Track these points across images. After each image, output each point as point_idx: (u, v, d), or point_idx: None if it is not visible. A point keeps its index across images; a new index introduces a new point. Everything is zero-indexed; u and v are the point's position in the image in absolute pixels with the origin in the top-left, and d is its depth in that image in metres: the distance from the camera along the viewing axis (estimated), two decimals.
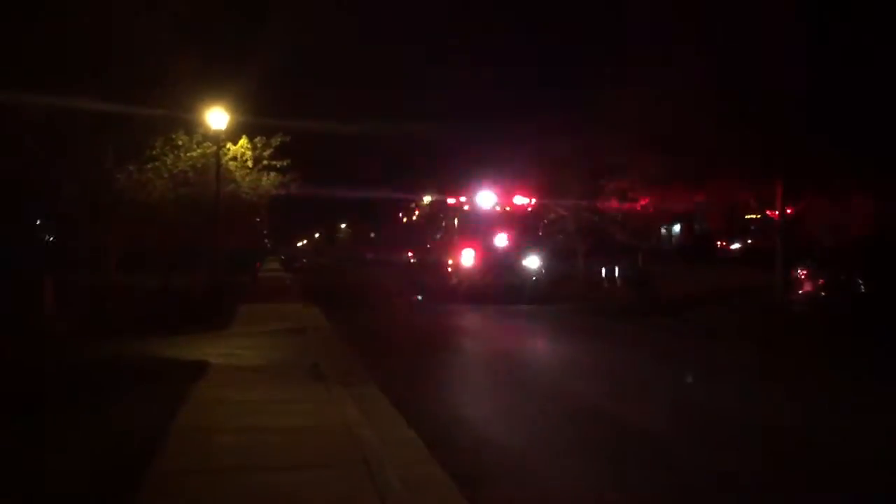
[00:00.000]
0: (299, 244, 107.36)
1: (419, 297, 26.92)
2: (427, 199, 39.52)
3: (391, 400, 9.19)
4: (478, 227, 26.27)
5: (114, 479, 5.54)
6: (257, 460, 6.19)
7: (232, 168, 21.42)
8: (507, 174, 27.97)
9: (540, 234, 27.53)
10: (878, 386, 10.14)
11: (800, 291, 15.77)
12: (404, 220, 48.09)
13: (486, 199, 26.74)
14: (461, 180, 29.67)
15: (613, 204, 27.33)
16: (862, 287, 14.54)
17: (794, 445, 7.12)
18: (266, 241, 51.19)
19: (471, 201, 27.24)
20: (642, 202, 26.38)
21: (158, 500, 5.17)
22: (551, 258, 26.30)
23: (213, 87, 14.10)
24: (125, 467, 5.83)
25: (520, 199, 27.18)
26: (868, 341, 13.53)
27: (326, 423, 7.55)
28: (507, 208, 26.95)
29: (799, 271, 15.94)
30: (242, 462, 6.14)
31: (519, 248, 25.63)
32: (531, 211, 27.63)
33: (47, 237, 21.82)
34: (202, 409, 8.23)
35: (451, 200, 29.19)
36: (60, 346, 13.31)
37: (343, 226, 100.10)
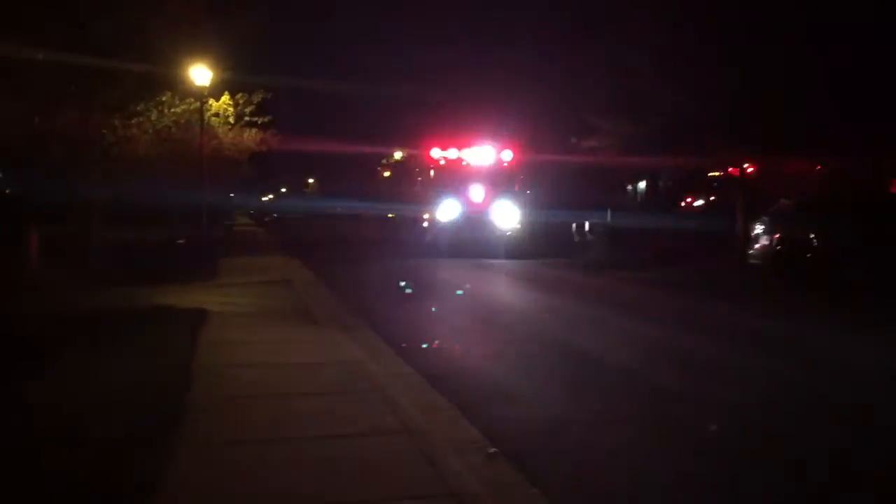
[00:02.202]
0: (265, 198, 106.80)
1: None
2: (398, 154, 39.72)
3: (385, 340, 10.11)
4: (454, 181, 26.55)
5: (157, 410, 6.28)
6: (280, 389, 7.05)
7: (214, 124, 21.85)
8: (484, 129, 28.05)
9: (516, 188, 27.56)
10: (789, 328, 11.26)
11: (756, 246, 16.83)
12: (381, 173, 48.39)
13: (462, 152, 26.85)
14: (437, 134, 29.61)
15: (585, 161, 27.92)
16: (814, 241, 15.64)
17: (704, 358, 8.16)
18: (231, 194, 51.16)
19: (447, 155, 27.37)
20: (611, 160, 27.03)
21: (203, 423, 5.94)
22: (527, 212, 26.48)
23: (196, 44, 14.38)
24: (164, 398, 6.60)
25: (496, 154, 27.25)
26: (814, 291, 14.95)
27: (334, 359, 8.42)
28: (484, 162, 27.05)
29: (756, 227, 16.98)
30: (267, 391, 6.99)
31: (495, 203, 25.94)
32: (507, 165, 27.66)
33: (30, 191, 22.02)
34: (214, 349, 8.97)
35: (427, 154, 29.26)
36: (53, 297, 13.72)
37: (311, 180, 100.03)
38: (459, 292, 15.96)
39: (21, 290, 14.65)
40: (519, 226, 26.03)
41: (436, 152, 27.99)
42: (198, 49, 8.94)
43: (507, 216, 25.89)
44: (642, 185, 41.02)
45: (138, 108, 19.28)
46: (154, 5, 7.95)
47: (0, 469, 4.95)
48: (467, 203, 26.14)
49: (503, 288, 17.84)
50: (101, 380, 7.38)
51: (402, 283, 17.47)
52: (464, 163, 26.85)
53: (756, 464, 5.52)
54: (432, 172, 27.98)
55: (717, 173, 27.95)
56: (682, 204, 35.47)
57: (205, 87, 19.87)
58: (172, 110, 20.53)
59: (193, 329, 10.15)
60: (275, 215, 78.73)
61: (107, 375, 7.59)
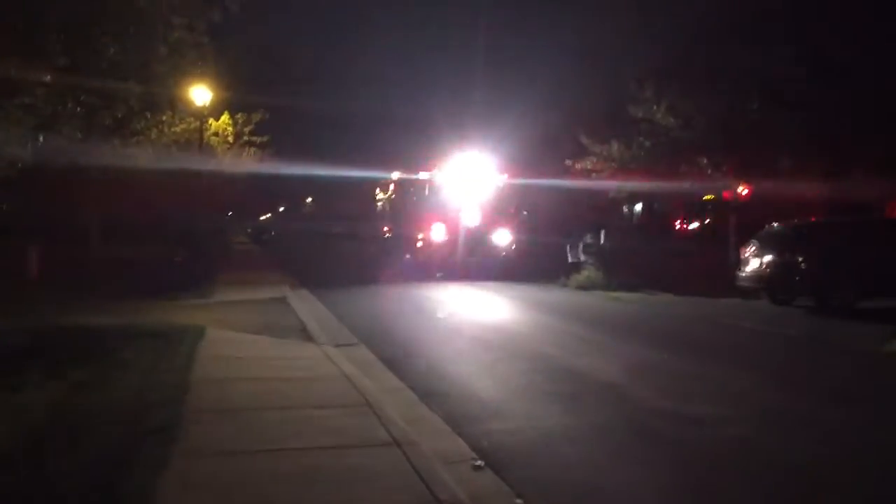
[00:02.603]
0: (263, 217, 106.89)
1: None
2: (396, 174, 39.92)
3: (378, 357, 10.31)
4: (448, 203, 26.39)
5: (153, 420, 6.43)
6: (274, 402, 7.22)
7: (214, 143, 22.12)
8: (479, 150, 27.85)
9: (511, 210, 27.53)
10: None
11: (746, 269, 17.05)
12: (377, 195, 48.52)
13: (456, 174, 26.75)
14: (432, 156, 29.63)
15: (580, 183, 28.04)
16: (802, 265, 15.88)
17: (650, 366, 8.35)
18: (229, 213, 51.33)
19: (441, 177, 27.32)
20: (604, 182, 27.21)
21: (196, 435, 6.10)
22: (521, 234, 26.54)
23: (197, 68, 14.64)
24: (160, 410, 6.76)
25: (490, 176, 27.17)
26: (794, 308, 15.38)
27: (327, 374, 8.60)
28: (479, 184, 26.93)
29: (747, 250, 17.20)
30: (261, 403, 7.16)
31: (489, 224, 25.93)
32: (502, 187, 27.62)
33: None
34: (211, 364, 9.14)
35: (421, 176, 29.16)
36: (53, 313, 13.83)
37: (309, 200, 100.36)
38: (441, 316, 16.07)
39: (21, 306, 14.82)
40: (513, 247, 26.12)
41: (430, 174, 28.03)
42: (198, 72, 9.18)
43: (502, 237, 25.98)
44: (638, 207, 41.33)
45: (138, 127, 19.57)
46: (159, 34, 8.17)
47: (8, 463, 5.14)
48: (461, 224, 26.06)
49: (486, 307, 17.96)
50: (100, 392, 7.53)
51: (394, 303, 17.64)
52: (458, 184, 26.78)
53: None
54: (427, 194, 27.90)
55: (710, 197, 28.22)
56: (677, 227, 35.73)
57: (204, 107, 20.16)
58: (172, 129, 20.82)
59: (191, 345, 10.32)
60: (272, 234, 78.87)
61: (105, 388, 7.74)
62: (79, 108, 8.92)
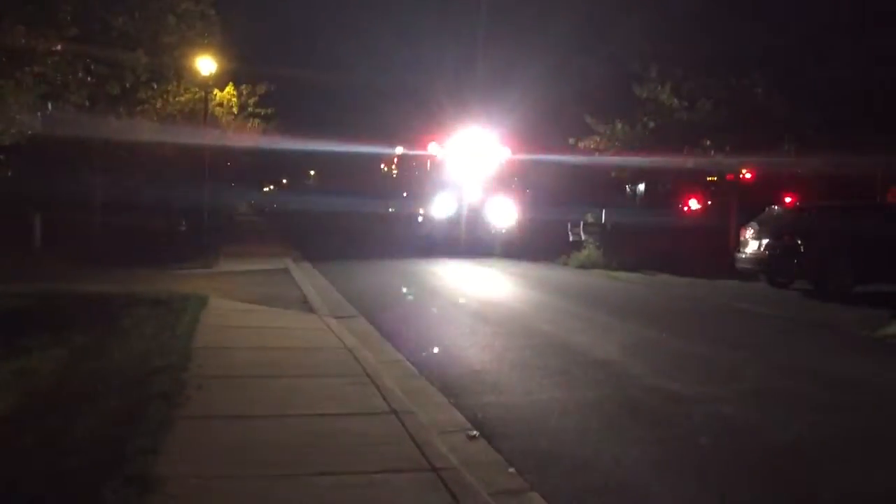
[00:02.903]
0: (265, 189, 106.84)
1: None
2: (399, 150, 39.77)
3: (378, 329, 10.47)
4: (449, 178, 26.36)
5: (158, 385, 6.58)
6: (276, 370, 7.38)
7: (218, 114, 22.15)
8: (481, 125, 27.61)
9: (513, 186, 27.25)
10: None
11: (745, 251, 17.15)
12: (380, 168, 48.54)
13: (458, 149, 26.44)
14: (435, 131, 29.44)
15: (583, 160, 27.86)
16: (801, 248, 15.98)
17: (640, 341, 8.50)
18: (232, 184, 51.36)
19: (443, 152, 27.18)
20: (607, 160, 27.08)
21: (202, 396, 6.27)
22: (523, 211, 26.13)
23: (203, 39, 14.60)
24: (164, 375, 6.91)
25: (493, 151, 26.83)
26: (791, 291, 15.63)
27: (329, 345, 8.77)
28: (481, 159, 26.65)
29: (747, 233, 17.28)
30: (263, 371, 7.32)
31: (491, 200, 25.67)
32: (504, 162, 27.30)
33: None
34: (213, 333, 9.30)
35: (425, 150, 29.05)
36: (59, 281, 13.97)
37: (312, 173, 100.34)
38: (440, 292, 16.19)
39: (25, 273, 14.97)
40: (515, 224, 25.75)
41: (433, 148, 27.81)
42: (205, 43, 9.22)
43: (504, 214, 25.66)
44: (641, 187, 41.30)
45: (143, 97, 19.60)
46: (168, 3, 8.24)
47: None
48: (463, 200, 25.92)
49: (482, 284, 18.06)
50: (104, 358, 7.69)
51: (395, 277, 17.77)
52: (461, 159, 26.51)
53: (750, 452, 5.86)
54: (430, 168, 28.00)
55: (713, 178, 28.24)
56: (679, 207, 35.74)
57: (209, 77, 20.17)
58: (177, 99, 20.85)
59: (193, 313, 10.46)
60: (275, 206, 78.95)
61: (109, 354, 7.89)
62: (89, 77, 9.01)
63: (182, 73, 17.46)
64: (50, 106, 9.10)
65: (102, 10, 8.15)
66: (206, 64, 19.78)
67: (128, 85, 9.58)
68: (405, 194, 33.42)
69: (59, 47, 8.18)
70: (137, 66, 9.09)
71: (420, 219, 27.43)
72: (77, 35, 8.11)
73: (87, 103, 9.52)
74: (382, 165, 47.69)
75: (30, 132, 10.01)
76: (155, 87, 9.89)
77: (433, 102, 35.04)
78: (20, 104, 8.60)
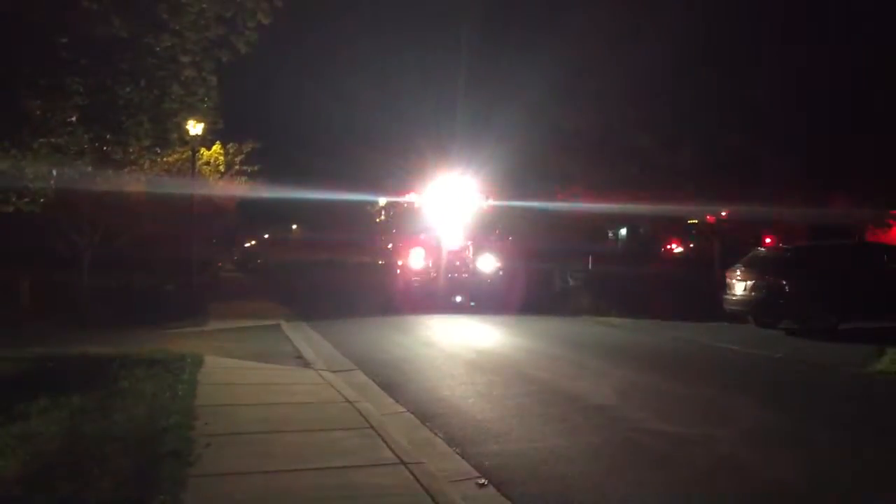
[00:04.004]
0: (247, 244, 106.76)
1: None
2: (382, 200, 39.79)
3: (376, 382, 10.55)
4: (429, 227, 25.31)
5: (165, 444, 6.62)
6: (280, 426, 7.43)
7: (205, 172, 22.35)
8: (461, 172, 26.97)
9: (495, 234, 26.60)
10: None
11: (731, 292, 17.41)
12: (363, 220, 48.62)
13: (437, 197, 25.57)
14: (416, 179, 28.60)
15: (565, 207, 27.98)
16: (786, 289, 16.26)
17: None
18: (213, 240, 51.31)
19: (423, 200, 26.25)
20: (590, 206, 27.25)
21: (212, 454, 6.31)
22: (506, 259, 25.45)
23: (203, 100, 14.82)
24: (170, 434, 6.95)
25: (473, 198, 26.09)
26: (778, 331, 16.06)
27: (329, 399, 8.83)
28: (461, 207, 25.80)
29: (732, 274, 17.57)
30: (269, 427, 7.37)
31: (472, 249, 24.75)
32: (485, 210, 26.62)
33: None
34: (213, 391, 9.32)
35: (403, 199, 28.35)
36: (53, 342, 13.92)
37: (294, 227, 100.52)
38: (444, 340, 16.26)
39: (14, 336, 14.91)
40: (497, 272, 24.86)
41: (412, 197, 27.13)
42: (206, 108, 9.43)
43: (486, 263, 24.78)
44: (623, 231, 41.86)
45: (131, 157, 19.77)
46: (172, 73, 8.49)
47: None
48: (443, 250, 24.74)
49: (480, 336, 18.14)
50: (106, 419, 7.68)
51: (385, 330, 17.78)
52: (441, 207, 25.64)
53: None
54: (408, 218, 27.32)
55: (694, 220, 28.75)
56: (662, 250, 36.25)
57: (197, 137, 20.40)
58: (164, 159, 21.03)
59: (191, 372, 10.46)
60: (259, 261, 78.91)
61: (111, 415, 7.87)
62: (96, 145, 9.21)
63: (185, 138, 17.62)
64: (54, 172, 9.27)
65: (111, 79, 8.38)
66: (193, 124, 20.00)
67: (131, 150, 9.78)
68: (389, 245, 33.01)
69: (74, 118, 8.41)
70: (140, 132, 9.31)
71: (398, 270, 25.84)
72: (86, 104, 8.34)
73: (89, 169, 9.71)
74: (367, 215, 47.78)
75: (42, 200, 10.19)
76: (158, 151, 10.10)
77: (413, 151, 34.95)
78: (36, 173, 8.79)
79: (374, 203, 41.69)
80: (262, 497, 5.26)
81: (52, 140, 8.37)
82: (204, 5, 8.36)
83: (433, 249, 24.75)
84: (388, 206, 35.79)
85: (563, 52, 25.89)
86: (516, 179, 28.72)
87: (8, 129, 8.15)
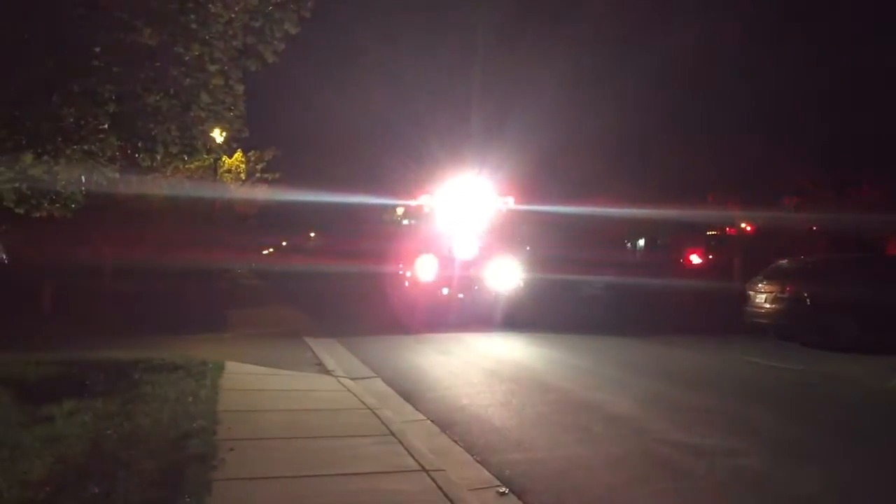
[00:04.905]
0: (265, 252, 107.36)
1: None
2: (398, 205, 38.39)
3: (396, 390, 10.58)
4: (441, 235, 22.10)
5: (189, 448, 6.69)
6: (303, 431, 7.49)
7: (227, 180, 22.56)
8: (479, 172, 23.64)
9: (517, 241, 23.01)
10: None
11: (752, 305, 17.33)
12: (380, 228, 48.44)
13: (451, 199, 22.39)
14: (428, 180, 25.07)
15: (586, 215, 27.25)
16: (808, 301, 16.17)
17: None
18: (234, 247, 51.64)
19: (434, 201, 22.95)
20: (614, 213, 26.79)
21: (236, 458, 6.37)
22: (529, 270, 22.26)
23: (229, 109, 14.93)
24: (195, 436, 7.02)
25: (493, 200, 22.71)
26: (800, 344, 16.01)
27: (349, 406, 8.88)
28: (478, 211, 22.49)
29: (754, 287, 17.50)
30: (291, 433, 7.43)
31: (491, 259, 21.61)
32: (506, 213, 22.95)
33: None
34: (235, 396, 9.40)
35: (416, 202, 24.57)
36: (76, 347, 14.03)
37: (312, 235, 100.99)
38: (459, 349, 16.20)
39: (37, 341, 15.07)
40: (518, 285, 21.71)
41: (420, 201, 23.86)
42: (231, 116, 9.52)
43: (505, 274, 21.55)
44: (641, 242, 41.63)
45: (153, 164, 20.00)
46: (200, 82, 8.64)
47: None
48: (457, 259, 21.62)
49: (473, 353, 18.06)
50: (130, 423, 7.77)
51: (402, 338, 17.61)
52: (454, 212, 22.37)
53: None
54: (417, 224, 23.95)
55: (714, 231, 28.63)
56: (681, 261, 36.06)
57: (223, 146, 20.59)
58: (186, 166, 21.27)
59: (212, 378, 10.54)
60: (276, 268, 79.22)
61: (135, 419, 7.96)
62: (128, 151, 9.39)
63: (212, 146, 17.70)
64: (84, 178, 9.43)
65: (140, 87, 8.54)
66: (216, 132, 20.20)
67: (159, 157, 9.93)
68: (401, 253, 30.04)
69: (105, 125, 8.58)
70: (168, 139, 9.46)
71: (405, 281, 22.64)
72: (117, 112, 8.51)
73: (117, 175, 9.86)
74: (382, 223, 47.55)
75: (74, 206, 10.38)
76: (185, 159, 10.23)
77: (425, 152, 31.76)
78: (68, 179, 8.97)
79: (390, 208, 40.25)
80: (286, 502, 5.30)
81: (85, 147, 8.55)
82: (233, 15, 8.52)
83: (446, 258, 21.72)
84: (405, 211, 33.65)
85: (581, 51, 25.63)
86: (537, 181, 26.93)
87: (44, 135, 8.34)
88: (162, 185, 20.29)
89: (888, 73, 20.07)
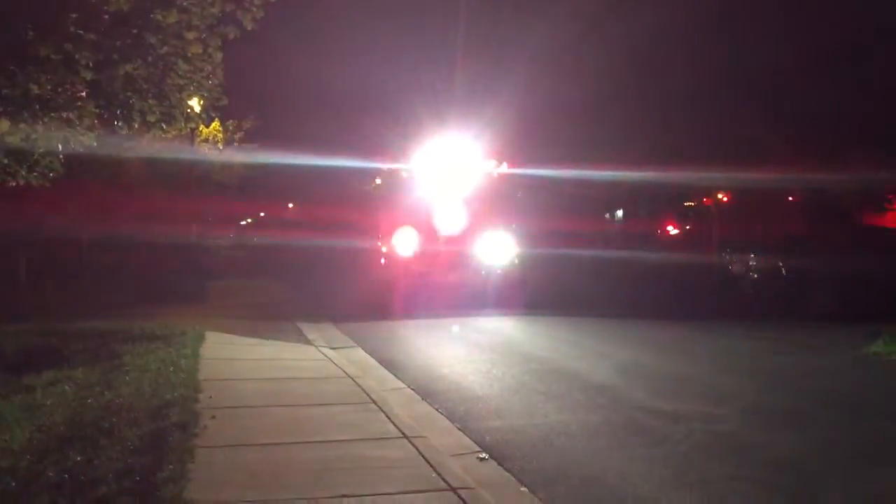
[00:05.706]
0: (243, 223, 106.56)
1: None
2: (377, 171, 35.96)
3: (377, 359, 10.65)
4: (424, 205, 19.71)
5: (171, 417, 6.70)
6: (284, 399, 7.54)
7: (204, 150, 22.33)
8: (467, 134, 20.93)
9: (510, 211, 20.32)
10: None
11: (730, 274, 17.57)
12: (359, 198, 47.73)
13: (436, 165, 19.78)
14: (412, 145, 21.78)
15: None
16: (783, 271, 16.42)
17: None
18: (209, 218, 51.08)
19: (416, 166, 20.53)
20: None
21: (217, 426, 6.41)
22: (525, 243, 19.73)
23: (209, 77, 14.68)
24: (176, 405, 7.03)
25: (483, 165, 20.23)
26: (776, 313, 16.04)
27: (330, 374, 8.94)
28: (466, 177, 19.89)
29: (730, 256, 17.73)
30: (273, 401, 7.48)
31: (480, 232, 19.12)
32: (497, 179, 20.48)
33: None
34: (216, 365, 9.42)
35: (395, 167, 22.26)
36: (58, 319, 13.93)
37: (290, 206, 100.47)
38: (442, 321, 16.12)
39: (20, 311, 14.95)
40: (516, 262, 19.37)
41: (400, 166, 21.72)
42: (209, 84, 9.37)
43: (499, 250, 19.14)
44: (619, 213, 41.60)
45: (130, 132, 19.72)
46: (178, 50, 8.52)
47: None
48: (441, 234, 19.36)
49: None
50: (112, 392, 7.77)
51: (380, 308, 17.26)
52: (440, 179, 19.91)
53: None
54: (397, 193, 21.59)
55: (691, 203, 28.78)
56: (659, 231, 36.22)
57: (197, 114, 20.31)
58: (162, 135, 20.95)
59: (193, 348, 10.52)
60: (255, 240, 78.80)
61: (116, 388, 7.96)
62: (106, 118, 9.26)
63: (190, 115, 17.42)
64: (60, 147, 9.32)
65: (117, 55, 8.43)
66: (192, 100, 19.94)
67: (136, 125, 9.80)
68: (378, 225, 27.11)
69: (83, 93, 8.47)
70: (146, 107, 9.36)
71: (382, 260, 20.61)
72: (94, 79, 8.40)
73: (94, 143, 9.74)
74: (362, 192, 46.71)
75: (52, 174, 10.25)
76: (163, 128, 10.08)
77: (409, 113, 27.60)
78: (46, 147, 8.86)
79: (369, 174, 36.79)
80: (268, 468, 5.35)
81: (63, 114, 8.44)
82: None
83: (429, 231, 19.46)
84: (383, 177, 30.09)
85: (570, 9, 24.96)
86: (525, 145, 24.34)
87: (20, 103, 8.22)
88: (139, 151, 19.96)
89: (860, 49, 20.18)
